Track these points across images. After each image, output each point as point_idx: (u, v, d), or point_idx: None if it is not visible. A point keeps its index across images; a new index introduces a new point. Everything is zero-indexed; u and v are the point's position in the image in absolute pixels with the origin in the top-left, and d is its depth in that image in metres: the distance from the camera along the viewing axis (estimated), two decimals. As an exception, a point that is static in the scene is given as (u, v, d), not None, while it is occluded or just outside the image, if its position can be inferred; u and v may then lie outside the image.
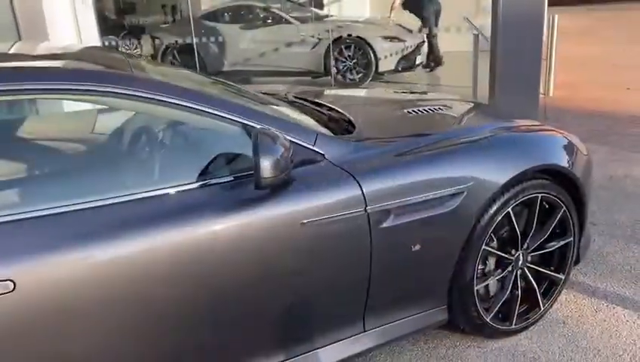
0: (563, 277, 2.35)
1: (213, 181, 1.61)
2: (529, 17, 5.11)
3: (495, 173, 2.02)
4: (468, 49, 6.50)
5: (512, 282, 2.23)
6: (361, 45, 7.81)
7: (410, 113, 2.41)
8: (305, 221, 1.67)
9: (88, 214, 1.42)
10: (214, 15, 8.93)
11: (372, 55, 7.79)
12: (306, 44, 8.04)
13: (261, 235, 1.61)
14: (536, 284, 2.29)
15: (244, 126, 1.69)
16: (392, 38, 7.90)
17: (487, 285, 2.20)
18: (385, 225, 1.80)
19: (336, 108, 2.35)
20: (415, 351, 2.23)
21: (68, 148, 1.73)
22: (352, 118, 2.19)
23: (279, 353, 1.78)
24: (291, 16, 8.42)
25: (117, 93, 1.55)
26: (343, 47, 7.87)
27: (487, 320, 2.18)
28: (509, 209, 2.08)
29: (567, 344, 2.23)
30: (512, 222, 2.12)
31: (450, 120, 2.51)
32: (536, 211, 2.18)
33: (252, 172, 1.53)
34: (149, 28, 9.52)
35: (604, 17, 15.67)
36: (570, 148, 2.32)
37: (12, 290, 1.32)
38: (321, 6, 11.24)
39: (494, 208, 2.04)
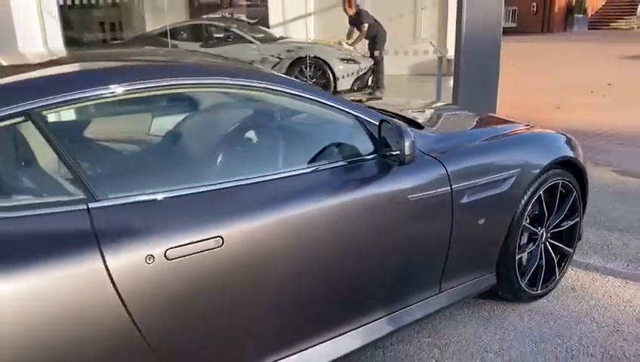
0: (572, 251, 2.88)
1: (353, 160, 1.98)
2: (487, 44, 5.81)
3: (533, 163, 2.51)
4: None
5: (538, 254, 2.72)
6: (321, 65, 8.30)
7: (449, 115, 2.87)
8: (409, 197, 2.06)
9: (273, 184, 1.74)
10: (173, 32, 9.09)
11: (331, 75, 8.29)
12: (268, 62, 8.41)
13: (383, 206, 1.98)
14: (554, 256, 2.79)
15: (357, 118, 2.06)
16: (348, 60, 8.46)
17: (522, 256, 2.67)
18: (462, 201, 2.23)
19: (395, 111, 2.75)
20: (461, 315, 2.65)
21: (250, 131, 2.02)
22: (413, 118, 2.61)
23: (381, 310, 2.13)
24: (251, 36, 8.79)
25: (263, 87, 1.88)
26: (303, 66, 8.32)
27: (522, 285, 2.65)
28: (541, 192, 2.58)
29: (580, 303, 2.74)
30: (542, 203, 2.62)
31: (473, 120, 2.98)
32: (557, 195, 2.69)
33: (367, 156, 1.91)
34: (107, 43, 9.51)
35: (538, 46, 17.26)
36: (574, 143, 2.86)
37: (221, 245, 1.60)
38: (267, 27, 11.67)
39: (531, 191, 2.52)
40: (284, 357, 1.83)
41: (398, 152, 1.88)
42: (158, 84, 1.67)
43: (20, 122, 1.46)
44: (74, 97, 1.52)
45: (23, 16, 6.32)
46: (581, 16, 24.72)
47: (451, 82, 5.98)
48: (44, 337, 1.34)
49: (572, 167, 2.76)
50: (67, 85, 1.53)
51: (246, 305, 1.69)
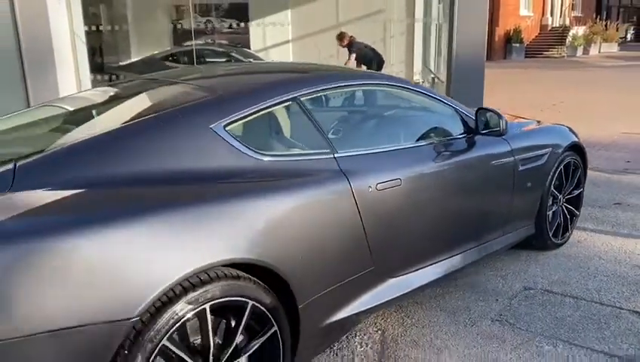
0: (578, 213, 3.93)
1: (455, 138, 2.93)
2: (473, 67, 6.96)
3: (557, 145, 3.54)
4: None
5: (558, 214, 3.74)
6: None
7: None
8: (492, 162, 3.02)
9: (419, 149, 2.68)
10: (175, 56, 9.85)
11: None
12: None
13: (479, 166, 2.94)
14: (568, 216, 3.82)
15: (455, 109, 3.02)
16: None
17: (549, 214, 3.67)
18: (519, 169, 3.21)
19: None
20: (508, 258, 3.61)
21: (405, 115, 2.94)
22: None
23: (474, 242, 3.05)
24: (248, 60, 9.65)
25: (401, 87, 2.82)
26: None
27: (550, 235, 3.65)
28: (561, 167, 3.61)
29: (587, 249, 3.77)
30: (561, 175, 3.64)
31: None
32: (570, 170, 3.73)
33: (466, 134, 2.88)
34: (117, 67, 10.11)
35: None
36: (576, 133, 3.92)
37: (400, 184, 2.49)
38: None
39: (556, 165, 3.54)
40: (431, 264, 2.72)
41: (498, 129, 2.85)
42: (350, 83, 2.59)
43: (290, 104, 2.33)
44: (316, 89, 2.41)
45: (59, 41, 6.92)
46: (518, 45, 27.00)
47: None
48: (318, 232, 2.17)
49: (578, 150, 3.82)
50: (311, 83, 2.42)
51: (412, 223, 2.59)
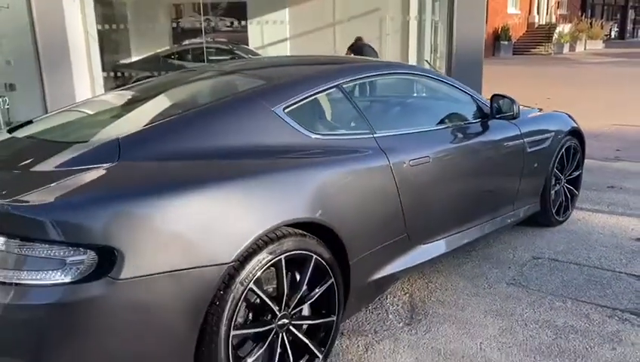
0: (578, 193, 4.30)
1: (473, 121, 3.28)
2: (472, 62, 7.33)
3: (560, 130, 3.90)
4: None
5: (560, 193, 4.10)
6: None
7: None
8: (505, 144, 3.38)
9: (442, 131, 3.02)
10: (179, 54, 10.12)
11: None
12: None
13: (493, 147, 3.29)
14: (569, 195, 4.19)
15: (471, 95, 3.37)
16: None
17: (552, 193, 4.03)
18: (527, 151, 3.56)
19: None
20: (516, 233, 3.97)
21: (432, 102, 3.28)
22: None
23: (488, 216, 3.40)
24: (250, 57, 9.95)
25: (427, 76, 3.17)
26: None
27: (553, 213, 4.02)
28: (563, 150, 3.97)
29: (587, 226, 4.14)
30: (563, 158, 4.01)
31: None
32: (571, 153, 4.10)
33: (479, 119, 3.24)
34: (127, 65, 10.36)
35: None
36: (575, 119, 4.28)
37: (429, 161, 2.83)
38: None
39: (558, 149, 3.90)
40: (453, 234, 3.07)
41: (512, 113, 3.21)
42: (383, 73, 2.94)
43: (334, 91, 2.66)
44: (355, 78, 2.74)
45: (74, 39, 7.18)
46: (506, 43, 27.54)
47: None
48: (364, 200, 2.50)
49: (577, 135, 4.19)
50: (350, 72, 2.76)
51: (438, 197, 2.93)
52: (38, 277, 1.68)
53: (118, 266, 1.70)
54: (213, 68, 3.20)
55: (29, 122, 2.71)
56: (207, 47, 9.85)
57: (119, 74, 9.04)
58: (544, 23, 31.38)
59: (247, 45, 13.08)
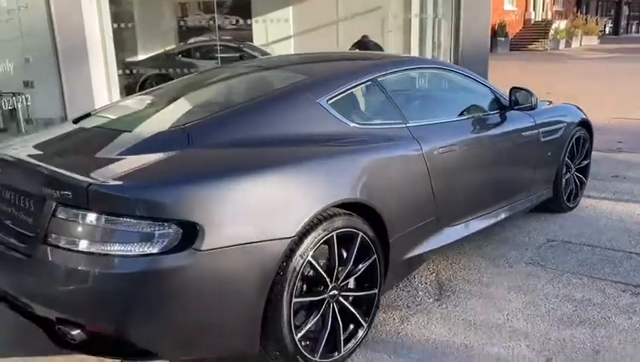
0: (587, 181, 4.54)
1: (493, 113, 3.50)
2: (477, 58, 7.57)
3: (571, 121, 4.14)
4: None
5: (571, 181, 4.34)
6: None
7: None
8: (523, 133, 3.61)
9: (465, 121, 3.25)
10: (188, 52, 10.31)
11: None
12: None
13: (511, 137, 3.52)
14: (578, 183, 4.43)
15: (490, 88, 3.60)
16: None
17: (563, 180, 4.26)
18: (541, 140, 3.80)
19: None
20: (528, 219, 4.20)
21: (455, 95, 3.51)
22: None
23: (506, 201, 3.63)
24: (258, 54, 10.15)
25: (451, 70, 3.40)
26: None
27: (564, 199, 4.26)
28: (573, 140, 4.21)
29: (595, 211, 4.38)
30: (574, 147, 4.25)
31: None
32: (580, 143, 4.34)
33: (498, 110, 3.47)
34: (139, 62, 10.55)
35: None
36: (583, 111, 4.52)
37: (455, 150, 3.06)
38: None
39: (569, 139, 4.14)
40: (475, 218, 3.30)
41: (530, 104, 3.44)
42: (413, 67, 3.17)
43: (370, 84, 2.89)
44: (388, 72, 2.97)
45: (91, 37, 7.37)
46: (503, 39, 27.79)
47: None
48: (401, 184, 2.73)
49: (586, 126, 4.43)
50: (383, 67, 2.98)
51: (463, 183, 3.16)
52: (129, 249, 1.90)
53: (200, 239, 1.92)
54: (251, 64, 3.42)
55: (87, 115, 2.92)
56: (220, 45, 10.05)
57: (134, 71, 9.25)
58: (540, 20, 31.67)
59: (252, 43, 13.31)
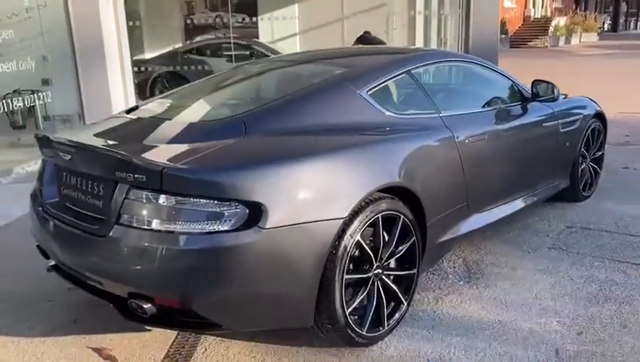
0: (601, 171, 4.70)
1: (516, 104, 3.66)
2: (488, 51, 7.72)
3: (587, 113, 4.30)
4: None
5: (587, 170, 4.50)
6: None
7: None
8: (544, 124, 3.77)
9: (491, 112, 3.41)
10: (198, 49, 10.45)
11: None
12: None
13: (534, 127, 3.68)
14: (593, 173, 4.59)
15: (512, 81, 3.75)
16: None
17: (579, 170, 4.42)
18: (561, 131, 3.96)
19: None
20: (546, 208, 4.35)
21: (480, 88, 3.67)
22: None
23: (528, 189, 3.78)
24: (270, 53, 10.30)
25: (476, 63, 3.56)
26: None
27: (580, 188, 4.42)
28: (589, 132, 4.37)
29: (610, 201, 4.54)
30: (589, 138, 4.41)
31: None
32: (596, 134, 4.50)
33: (520, 102, 3.62)
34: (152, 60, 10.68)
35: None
36: (598, 103, 4.68)
37: (485, 138, 3.21)
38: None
39: (585, 129, 4.30)
40: (502, 204, 3.45)
41: (552, 96, 3.60)
42: (443, 60, 3.33)
43: (404, 76, 3.04)
44: (421, 64, 3.12)
45: (108, 36, 7.51)
46: (503, 36, 27.94)
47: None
48: (436, 170, 2.88)
49: (601, 118, 4.59)
50: (417, 60, 3.13)
51: (491, 170, 3.31)
52: (200, 227, 2.05)
53: (264, 218, 2.08)
54: (287, 58, 3.58)
55: (135, 107, 3.07)
56: (230, 43, 10.19)
57: (147, 68, 9.38)
58: (540, 17, 31.86)
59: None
